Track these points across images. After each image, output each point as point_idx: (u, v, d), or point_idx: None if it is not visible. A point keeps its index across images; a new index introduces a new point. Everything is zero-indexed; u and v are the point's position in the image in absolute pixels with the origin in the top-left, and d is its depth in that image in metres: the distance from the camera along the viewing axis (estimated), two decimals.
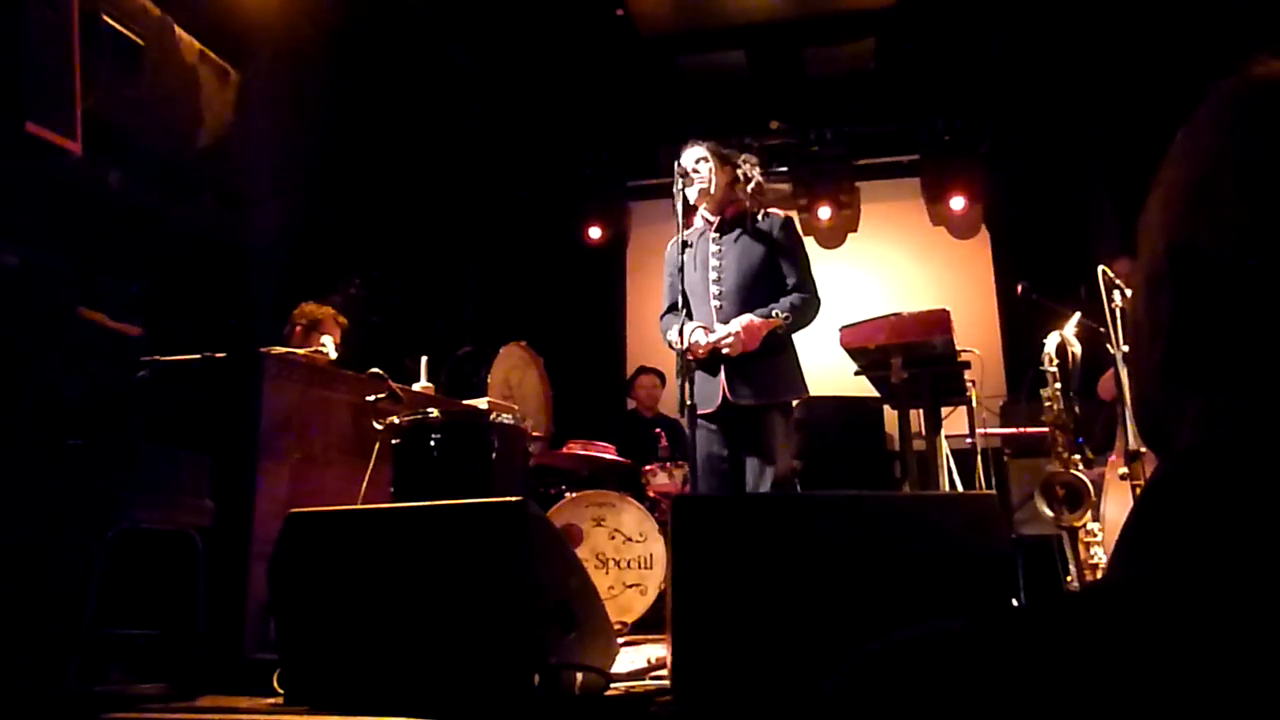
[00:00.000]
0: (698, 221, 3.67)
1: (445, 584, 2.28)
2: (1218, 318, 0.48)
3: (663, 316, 3.82)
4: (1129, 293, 3.61)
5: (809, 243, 7.91)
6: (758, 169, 3.72)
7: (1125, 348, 3.51)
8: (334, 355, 3.99)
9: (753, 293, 3.57)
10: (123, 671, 2.97)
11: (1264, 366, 0.46)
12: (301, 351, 3.82)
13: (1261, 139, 0.48)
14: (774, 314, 3.49)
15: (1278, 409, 0.45)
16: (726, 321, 3.51)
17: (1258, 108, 0.49)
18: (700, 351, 3.46)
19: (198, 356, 3.49)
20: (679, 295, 3.67)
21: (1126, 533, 0.49)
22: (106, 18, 4.27)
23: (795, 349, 3.61)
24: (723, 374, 3.49)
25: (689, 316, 3.46)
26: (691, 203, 3.60)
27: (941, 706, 0.41)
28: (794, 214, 7.69)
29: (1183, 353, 0.50)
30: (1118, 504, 3.70)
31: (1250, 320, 0.47)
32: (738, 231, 3.65)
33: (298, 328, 4.44)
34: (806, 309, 3.56)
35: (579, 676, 2.29)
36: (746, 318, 3.46)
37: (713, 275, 3.61)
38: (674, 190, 3.60)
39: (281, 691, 2.44)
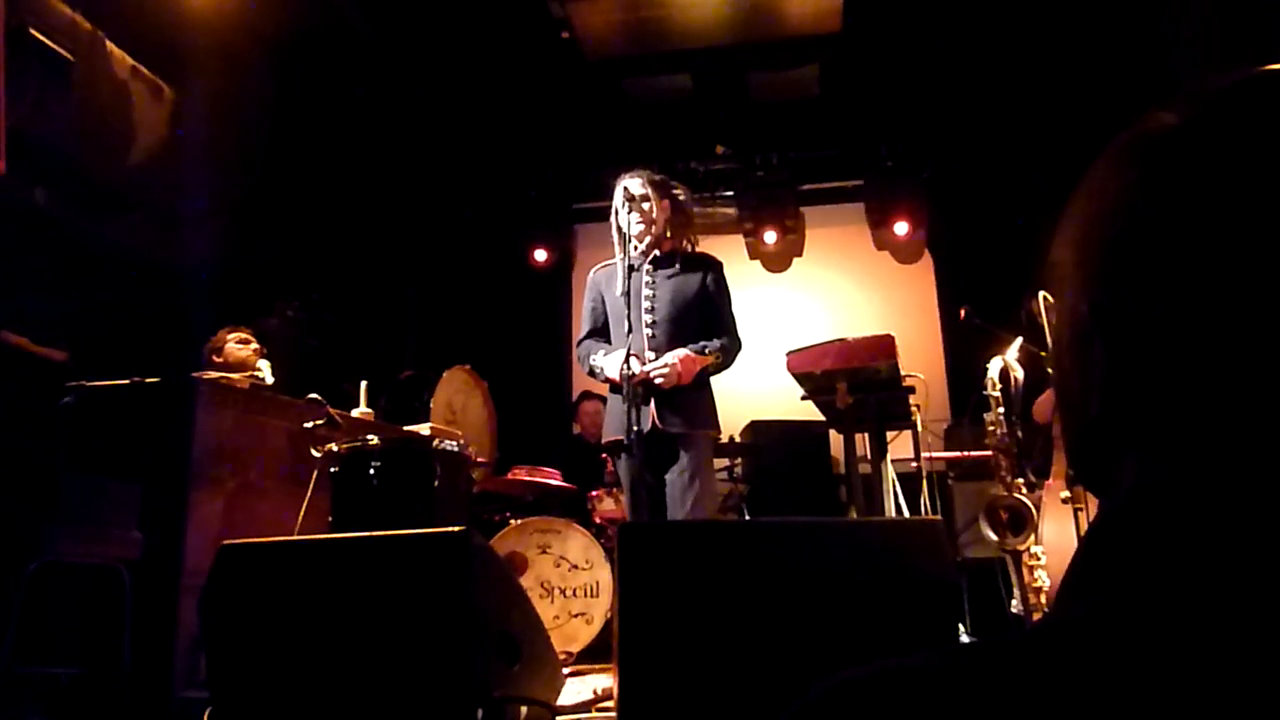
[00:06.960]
0: (630, 250, 3.62)
1: (385, 617, 2.21)
2: (1153, 376, 0.48)
3: (581, 341, 3.79)
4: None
5: (755, 266, 8.07)
6: (691, 202, 3.75)
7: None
8: (270, 380, 3.88)
9: (684, 326, 3.58)
10: (43, 713, 2.85)
11: (1200, 425, 0.46)
12: (237, 376, 3.72)
13: (1170, 195, 0.48)
14: (706, 351, 3.51)
15: (1216, 460, 0.45)
16: (659, 351, 3.51)
17: (1162, 162, 0.49)
18: (634, 380, 3.44)
19: (127, 382, 3.38)
20: (602, 321, 3.65)
21: (1074, 568, 0.49)
22: (34, 31, 4.14)
23: (712, 387, 3.64)
24: (652, 403, 3.48)
25: (621, 344, 3.44)
26: (630, 232, 3.56)
27: None
28: (739, 238, 7.87)
29: (1119, 410, 0.50)
30: (1057, 527, 3.73)
31: (1186, 378, 0.47)
32: (672, 265, 3.64)
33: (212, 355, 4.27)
34: (733, 352, 3.61)
35: (524, 710, 2.23)
36: (682, 351, 3.45)
37: (645, 304, 3.59)
38: (614, 215, 3.58)
39: None
